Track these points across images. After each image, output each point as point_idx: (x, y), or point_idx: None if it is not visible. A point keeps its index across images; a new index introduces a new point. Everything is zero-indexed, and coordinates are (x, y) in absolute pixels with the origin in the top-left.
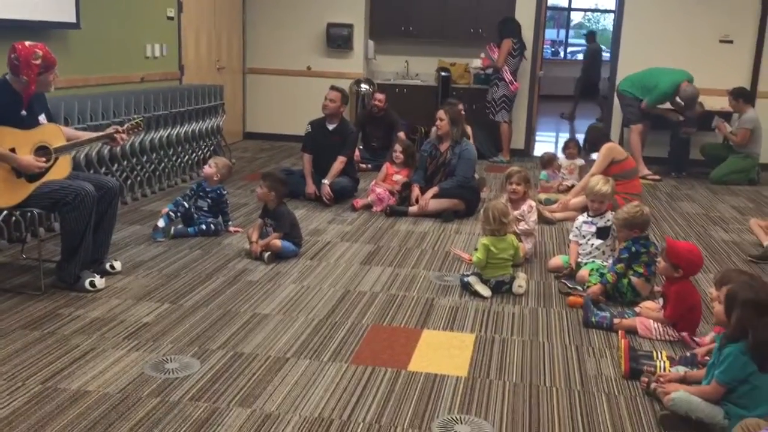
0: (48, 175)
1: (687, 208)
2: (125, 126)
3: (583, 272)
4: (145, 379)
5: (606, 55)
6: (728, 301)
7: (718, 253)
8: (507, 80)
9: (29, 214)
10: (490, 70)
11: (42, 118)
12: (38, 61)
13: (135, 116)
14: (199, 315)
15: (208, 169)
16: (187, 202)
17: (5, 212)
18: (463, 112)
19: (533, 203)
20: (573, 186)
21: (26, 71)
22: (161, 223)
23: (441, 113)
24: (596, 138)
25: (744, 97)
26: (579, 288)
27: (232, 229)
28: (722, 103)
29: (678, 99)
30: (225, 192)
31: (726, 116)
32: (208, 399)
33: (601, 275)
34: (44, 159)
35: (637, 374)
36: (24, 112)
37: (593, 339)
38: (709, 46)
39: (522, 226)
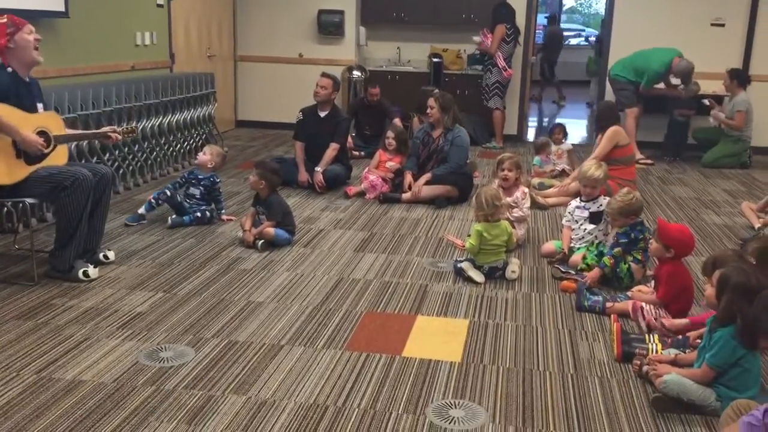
0: (46, 161)
1: (679, 192)
2: (121, 128)
3: (576, 257)
4: (139, 368)
5: (593, 40)
6: (720, 285)
7: (710, 237)
8: (500, 66)
9: (21, 204)
10: (486, 55)
11: (40, 107)
12: (4, 20)
13: (132, 124)
14: (193, 304)
15: (203, 156)
16: (177, 190)
17: None
18: None
19: (526, 189)
20: (563, 170)
21: None
22: (142, 210)
23: (431, 101)
24: (607, 117)
25: (739, 78)
26: (572, 272)
27: (225, 217)
28: (714, 87)
29: (673, 76)
30: (218, 180)
31: (718, 99)
32: (203, 387)
33: (600, 255)
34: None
35: (630, 357)
36: (9, 69)
37: (586, 323)
38: (701, 29)
39: (516, 212)
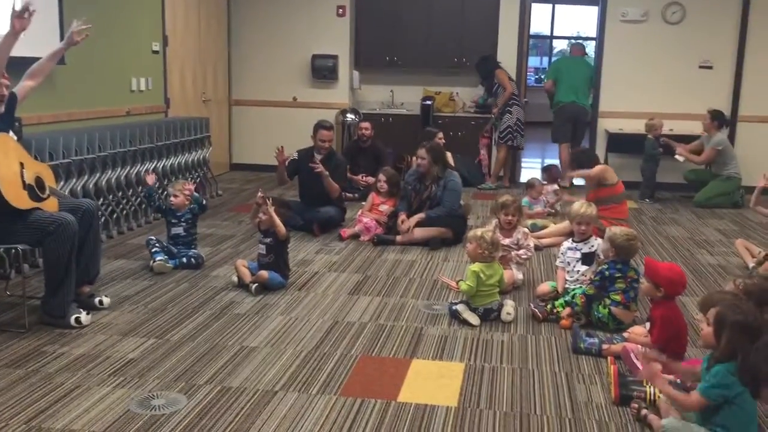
0: (42, 204)
1: (672, 231)
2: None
3: (543, 286)
4: (131, 417)
5: None
6: (717, 324)
7: (705, 277)
8: (521, 103)
9: (13, 250)
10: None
11: (11, 134)
12: None
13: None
14: (186, 349)
15: (177, 200)
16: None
17: None
18: (442, 141)
19: (527, 230)
20: (551, 207)
21: None
22: (159, 257)
23: (422, 152)
24: (585, 163)
25: (719, 120)
26: (542, 306)
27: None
28: (699, 128)
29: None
30: (194, 206)
31: (688, 139)
32: None
33: (573, 297)
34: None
35: (627, 400)
36: None
37: (583, 365)
38: (690, 71)
39: (523, 253)
